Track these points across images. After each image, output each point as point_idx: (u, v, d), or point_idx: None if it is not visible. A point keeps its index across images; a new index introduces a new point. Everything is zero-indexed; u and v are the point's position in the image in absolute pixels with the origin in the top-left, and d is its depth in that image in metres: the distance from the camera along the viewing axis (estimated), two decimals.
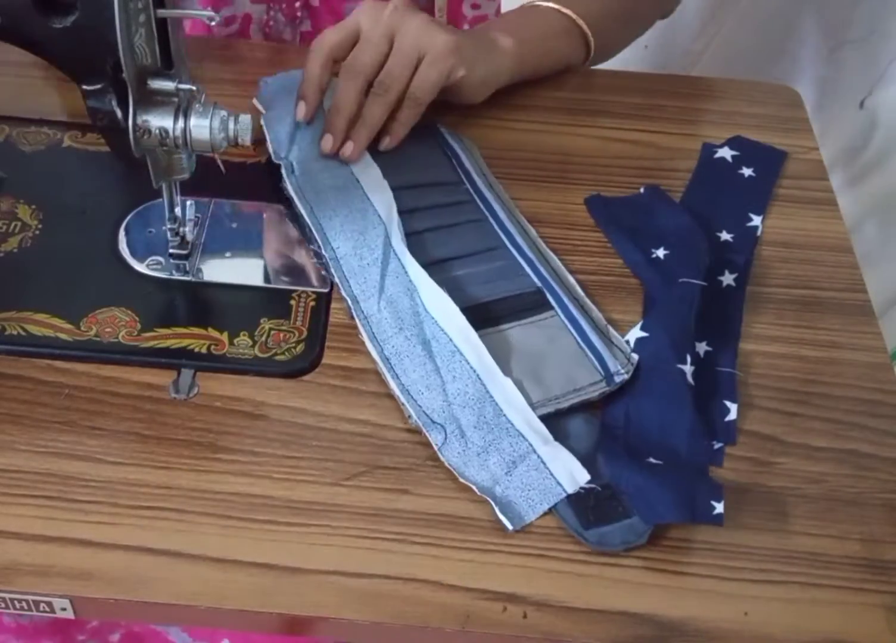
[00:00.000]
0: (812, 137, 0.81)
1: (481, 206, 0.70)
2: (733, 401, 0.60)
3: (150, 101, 0.55)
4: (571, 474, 0.55)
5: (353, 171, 0.69)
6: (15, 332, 0.60)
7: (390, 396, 0.60)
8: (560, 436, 0.57)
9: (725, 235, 0.71)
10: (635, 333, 0.62)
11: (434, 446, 0.56)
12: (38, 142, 0.73)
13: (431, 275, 0.63)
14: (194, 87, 0.55)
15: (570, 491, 0.55)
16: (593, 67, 0.85)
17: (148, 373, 0.60)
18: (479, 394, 0.58)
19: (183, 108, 0.56)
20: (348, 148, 0.69)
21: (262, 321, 0.63)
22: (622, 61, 0.89)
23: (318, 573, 0.52)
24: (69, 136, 0.73)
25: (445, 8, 0.88)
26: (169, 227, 0.64)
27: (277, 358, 0.61)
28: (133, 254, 0.66)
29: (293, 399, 0.59)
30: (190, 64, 0.57)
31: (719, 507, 0.54)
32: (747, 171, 0.76)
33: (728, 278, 0.68)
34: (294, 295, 0.64)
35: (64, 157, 0.72)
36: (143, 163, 0.58)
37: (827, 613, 0.53)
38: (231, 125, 0.57)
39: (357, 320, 0.62)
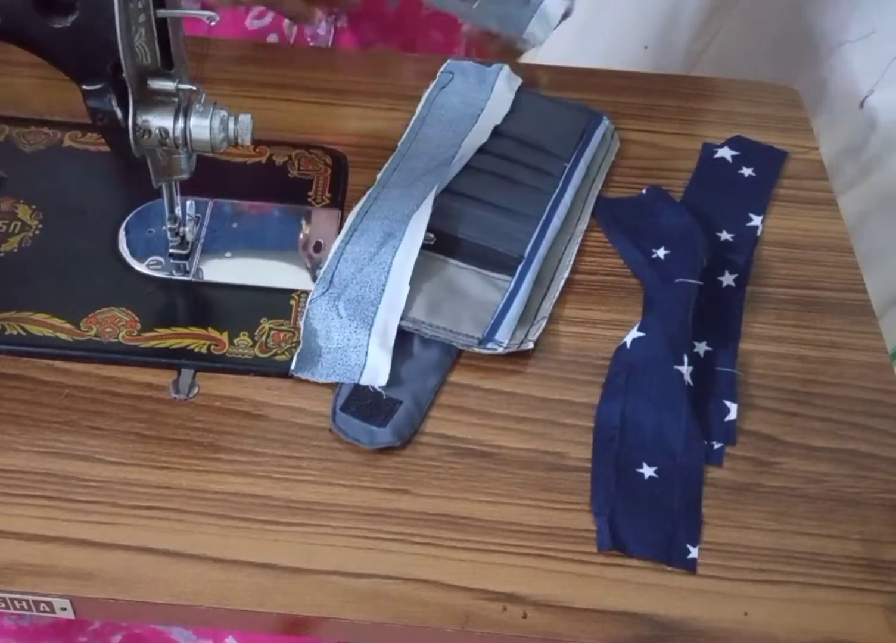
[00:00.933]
0: (812, 137, 0.81)
1: (559, 184, 0.72)
2: (733, 401, 0.60)
3: (150, 101, 0.55)
4: (376, 373, 0.59)
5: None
6: (15, 332, 0.60)
7: None
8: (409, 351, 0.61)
9: (725, 235, 0.71)
10: (633, 334, 0.62)
11: (309, 294, 0.61)
12: (38, 142, 0.73)
13: (452, 201, 0.68)
14: (194, 87, 0.55)
15: (362, 382, 0.59)
16: (593, 67, 0.85)
17: (148, 373, 0.60)
18: (378, 281, 0.62)
19: (183, 108, 0.56)
20: None
21: (262, 321, 0.63)
22: (622, 61, 0.89)
23: (318, 573, 0.52)
24: (69, 136, 0.73)
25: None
26: (169, 227, 0.64)
27: (277, 358, 0.61)
28: (133, 254, 0.66)
29: (293, 399, 0.59)
30: (190, 64, 0.57)
31: (694, 552, 0.54)
32: (747, 171, 0.76)
33: (728, 278, 0.68)
34: (294, 295, 0.64)
35: (64, 157, 0.72)
36: (143, 163, 0.58)
37: (827, 613, 0.53)
38: (231, 125, 0.57)
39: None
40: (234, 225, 0.69)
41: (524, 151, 0.73)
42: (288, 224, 0.69)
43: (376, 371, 0.59)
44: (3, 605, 0.51)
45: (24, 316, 0.61)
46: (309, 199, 0.71)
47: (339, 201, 0.71)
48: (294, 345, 0.61)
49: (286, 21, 0.86)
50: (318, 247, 0.68)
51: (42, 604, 0.51)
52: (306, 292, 0.64)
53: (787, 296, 0.68)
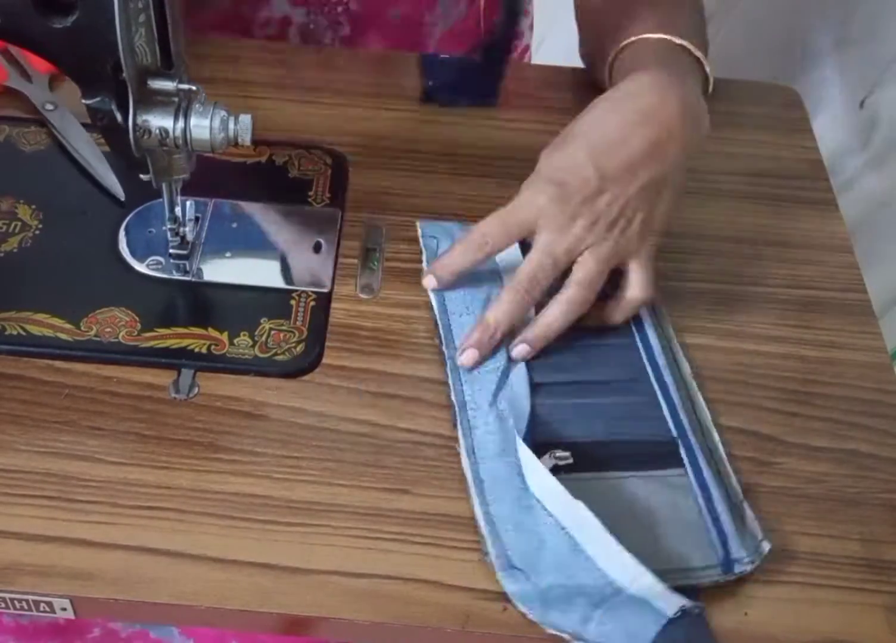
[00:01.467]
0: (812, 137, 0.81)
1: (632, 327, 0.64)
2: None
3: (150, 101, 0.55)
4: (672, 602, 0.49)
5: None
6: (15, 332, 0.60)
7: (390, 396, 0.60)
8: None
9: None
10: None
11: (504, 589, 0.51)
12: (38, 142, 0.73)
13: (562, 396, 0.59)
14: (194, 87, 0.55)
15: (670, 615, 0.49)
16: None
17: (148, 373, 0.60)
18: (570, 549, 0.52)
19: (183, 108, 0.56)
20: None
21: (262, 321, 0.62)
22: None
23: (318, 573, 0.52)
24: None
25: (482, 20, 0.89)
26: (169, 227, 0.64)
27: (277, 358, 0.61)
28: (133, 254, 0.66)
29: (293, 399, 0.59)
30: (190, 64, 0.57)
31: None
32: None
33: None
34: (294, 295, 0.64)
35: (64, 157, 0.72)
36: (143, 163, 0.58)
37: (827, 613, 0.53)
38: (231, 125, 0.57)
39: (458, 427, 0.57)
40: (234, 225, 0.69)
41: None
42: (288, 224, 0.69)
43: (664, 600, 0.49)
44: (2, 605, 0.51)
45: (24, 316, 0.61)
46: (309, 199, 0.71)
47: (339, 201, 0.71)
48: (294, 345, 0.61)
49: (291, 29, 0.86)
50: (318, 247, 0.67)
51: (42, 604, 0.51)
52: (306, 292, 0.64)
53: (787, 296, 0.68)
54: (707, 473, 0.56)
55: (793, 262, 0.71)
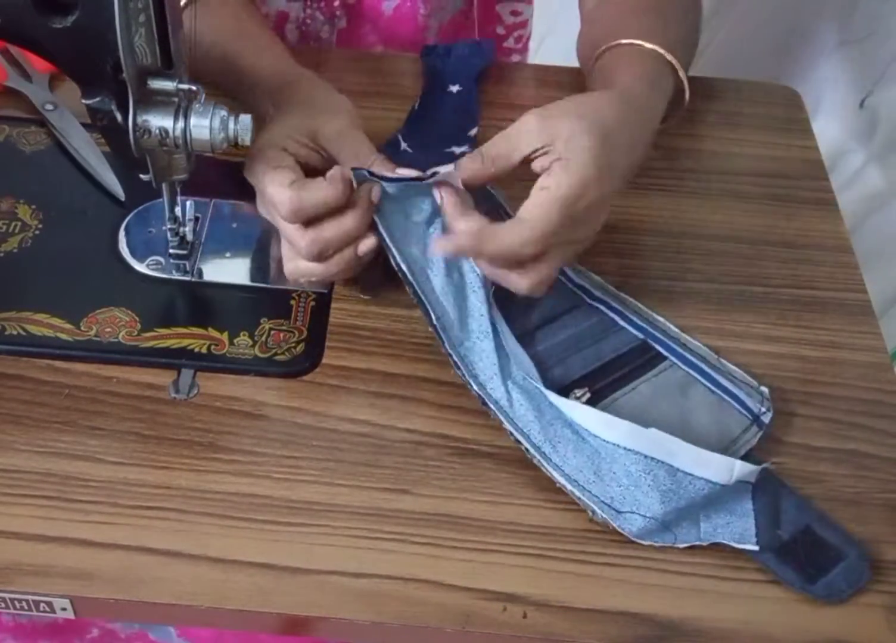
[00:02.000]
0: (812, 137, 0.81)
1: None
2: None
3: (150, 101, 0.55)
4: (749, 470, 0.54)
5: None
6: (15, 332, 0.60)
7: (390, 396, 0.60)
8: None
9: (458, 149, 0.72)
10: None
11: (629, 536, 0.53)
12: (38, 142, 0.73)
13: (528, 346, 0.60)
14: (194, 87, 0.55)
15: (752, 481, 0.55)
16: None
17: (148, 373, 0.60)
18: (647, 467, 0.54)
19: (183, 108, 0.56)
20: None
21: (262, 321, 0.62)
22: None
23: (318, 573, 0.52)
24: None
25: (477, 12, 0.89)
26: (169, 227, 0.64)
27: (277, 358, 0.61)
28: (133, 254, 0.66)
29: (293, 399, 0.59)
30: (190, 64, 0.57)
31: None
32: (454, 88, 0.78)
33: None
34: (294, 295, 0.64)
35: (64, 156, 0.72)
36: (143, 163, 0.58)
37: (827, 613, 0.53)
38: (231, 125, 0.57)
39: (487, 403, 0.57)
40: (234, 225, 0.69)
41: None
42: None
43: (742, 474, 0.55)
44: (2, 605, 0.51)
45: (24, 316, 0.61)
46: None
47: None
48: (294, 345, 0.61)
49: (288, 25, 0.86)
50: None
51: (42, 604, 0.51)
52: (306, 292, 0.64)
53: (787, 296, 0.68)
54: (686, 354, 0.61)
55: (793, 262, 0.71)
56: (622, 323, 0.64)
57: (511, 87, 0.81)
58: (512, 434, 0.56)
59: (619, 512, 0.54)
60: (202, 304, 0.64)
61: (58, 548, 0.52)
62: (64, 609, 0.51)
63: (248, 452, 0.57)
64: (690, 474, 0.54)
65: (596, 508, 0.54)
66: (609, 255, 0.69)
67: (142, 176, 0.59)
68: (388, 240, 0.59)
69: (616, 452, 0.54)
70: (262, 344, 0.61)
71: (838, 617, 0.53)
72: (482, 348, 0.59)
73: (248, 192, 0.70)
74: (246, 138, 0.57)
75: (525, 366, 0.59)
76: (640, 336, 0.63)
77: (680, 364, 0.62)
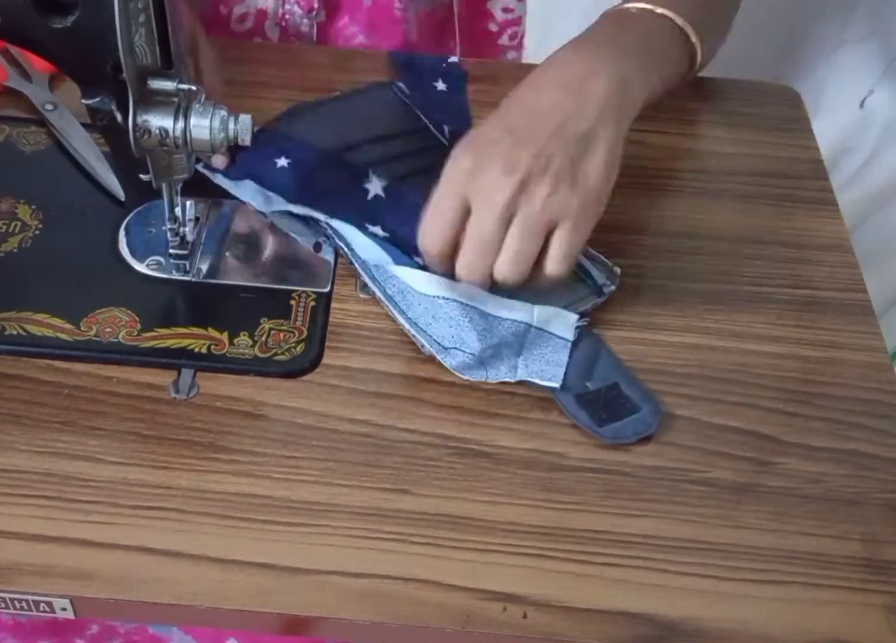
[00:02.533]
0: (812, 137, 0.81)
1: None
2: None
3: (150, 101, 0.55)
4: (568, 326, 0.62)
5: None
6: (15, 332, 0.60)
7: (390, 396, 0.60)
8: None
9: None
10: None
11: (450, 368, 0.60)
12: (38, 142, 0.73)
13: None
14: (194, 87, 0.55)
15: (571, 338, 0.62)
16: None
17: (148, 373, 0.60)
18: (464, 311, 0.61)
19: (183, 108, 0.56)
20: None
21: (262, 321, 0.62)
22: None
23: (318, 573, 0.52)
24: None
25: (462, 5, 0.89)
26: (169, 227, 0.64)
27: (277, 358, 0.61)
28: (133, 254, 0.66)
29: (293, 399, 0.59)
30: (190, 64, 0.57)
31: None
32: (441, 86, 0.78)
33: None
34: (294, 295, 0.64)
35: (64, 156, 0.72)
36: (143, 163, 0.58)
37: (827, 613, 0.53)
38: (231, 125, 0.57)
39: (356, 267, 0.64)
40: (234, 225, 0.69)
41: (394, 145, 0.70)
42: (288, 224, 0.69)
43: (566, 325, 0.62)
44: (2, 605, 0.51)
45: (24, 316, 0.61)
46: None
47: None
48: (294, 345, 0.61)
49: (267, 22, 0.87)
50: (318, 247, 0.67)
51: (42, 604, 0.51)
52: (306, 292, 0.64)
53: (787, 296, 0.68)
54: None
55: (793, 262, 0.71)
56: None
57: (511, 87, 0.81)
58: (373, 290, 0.63)
59: (445, 348, 0.61)
60: (202, 304, 0.64)
61: (58, 548, 0.52)
62: (64, 609, 0.51)
63: (248, 452, 0.57)
64: (498, 316, 0.61)
65: (425, 343, 0.61)
66: (609, 256, 0.69)
67: (142, 176, 0.59)
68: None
69: (440, 301, 0.61)
70: (262, 344, 0.61)
71: (838, 617, 0.53)
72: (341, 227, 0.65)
73: None
74: (246, 138, 0.57)
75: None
76: None
77: None
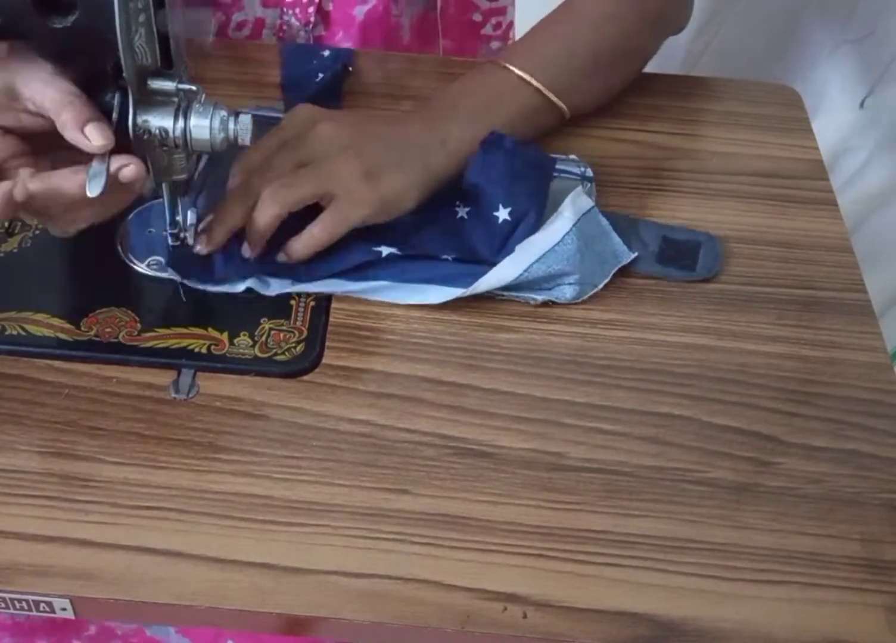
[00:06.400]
0: (812, 137, 0.81)
1: None
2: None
3: (150, 101, 0.55)
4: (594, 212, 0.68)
5: None
6: (15, 332, 0.60)
7: (390, 396, 0.60)
8: None
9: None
10: None
11: (566, 301, 0.65)
12: None
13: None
14: (194, 87, 0.55)
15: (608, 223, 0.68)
16: None
17: (148, 373, 0.60)
18: (542, 261, 0.64)
19: (183, 108, 0.56)
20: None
21: (262, 321, 0.63)
22: None
23: (318, 573, 0.52)
24: None
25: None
26: (170, 231, 0.64)
27: (277, 358, 0.61)
28: (133, 254, 0.66)
29: (293, 399, 0.59)
30: (190, 64, 0.57)
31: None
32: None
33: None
34: (294, 295, 0.64)
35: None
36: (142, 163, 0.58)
37: (827, 613, 0.53)
38: (231, 125, 0.57)
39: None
40: None
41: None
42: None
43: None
44: (2, 605, 0.51)
45: (24, 316, 0.61)
46: None
47: None
48: (294, 345, 0.61)
49: (265, 31, 0.87)
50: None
51: (42, 604, 0.51)
52: (306, 292, 0.64)
53: (787, 296, 0.68)
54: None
55: (793, 262, 0.71)
56: None
57: None
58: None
59: (549, 290, 0.65)
60: (202, 304, 0.64)
61: (58, 548, 0.52)
62: (64, 609, 0.51)
63: (248, 452, 0.57)
64: (560, 242, 0.65)
65: (534, 296, 0.65)
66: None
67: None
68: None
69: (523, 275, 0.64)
70: (262, 344, 0.61)
71: (838, 617, 0.53)
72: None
73: None
74: (246, 138, 0.57)
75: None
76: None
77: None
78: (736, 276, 0.69)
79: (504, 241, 0.66)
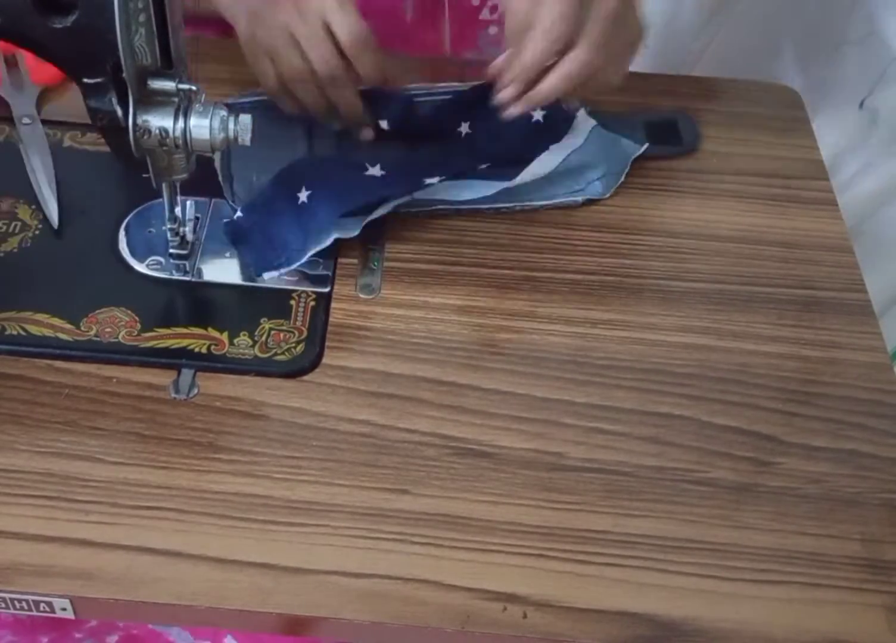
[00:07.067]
0: (812, 137, 0.81)
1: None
2: None
3: (150, 101, 0.55)
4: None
5: None
6: (15, 332, 0.60)
7: (390, 396, 0.60)
8: None
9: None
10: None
11: (598, 196, 0.72)
12: None
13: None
14: (194, 87, 0.55)
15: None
16: None
17: (148, 373, 0.60)
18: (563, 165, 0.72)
19: (183, 108, 0.56)
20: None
21: (262, 321, 0.63)
22: None
23: (318, 573, 0.52)
24: (69, 136, 0.73)
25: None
26: (169, 227, 0.64)
27: (277, 358, 0.61)
28: (133, 254, 0.66)
29: (293, 399, 0.59)
30: (190, 64, 0.57)
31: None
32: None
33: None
34: (294, 295, 0.64)
35: (64, 157, 0.72)
36: (143, 163, 0.58)
37: (827, 613, 0.53)
38: (231, 125, 0.57)
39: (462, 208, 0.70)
40: None
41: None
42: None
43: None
44: (2, 605, 0.51)
45: (24, 316, 0.61)
46: None
47: None
48: (294, 345, 0.61)
49: None
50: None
51: (42, 604, 0.51)
52: (306, 292, 0.64)
53: (787, 296, 0.68)
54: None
55: (793, 262, 0.71)
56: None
57: None
58: (490, 208, 0.70)
59: (582, 189, 0.72)
60: (202, 303, 0.65)
61: (58, 548, 0.52)
62: (64, 609, 0.51)
63: (248, 452, 0.57)
64: (584, 142, 0.73)
65: (575, 198, 0.72)
66: (609, 255, 0.69)
67: (144, 175, 0.59)
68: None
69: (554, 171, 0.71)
70: (262, 344, 0.61)
71: (838, 617, 0.53)
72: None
73: None
74: (246, 138, 0.57)
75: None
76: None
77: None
78: (736, 275, 0.69)
79: (540, 138, 0.72)
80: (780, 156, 0.79)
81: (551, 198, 0.72)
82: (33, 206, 0.68)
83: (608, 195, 0.73)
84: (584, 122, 0.74)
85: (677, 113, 0.80)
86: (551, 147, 0.71)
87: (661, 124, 0.79)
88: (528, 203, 0.71)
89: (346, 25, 0.66)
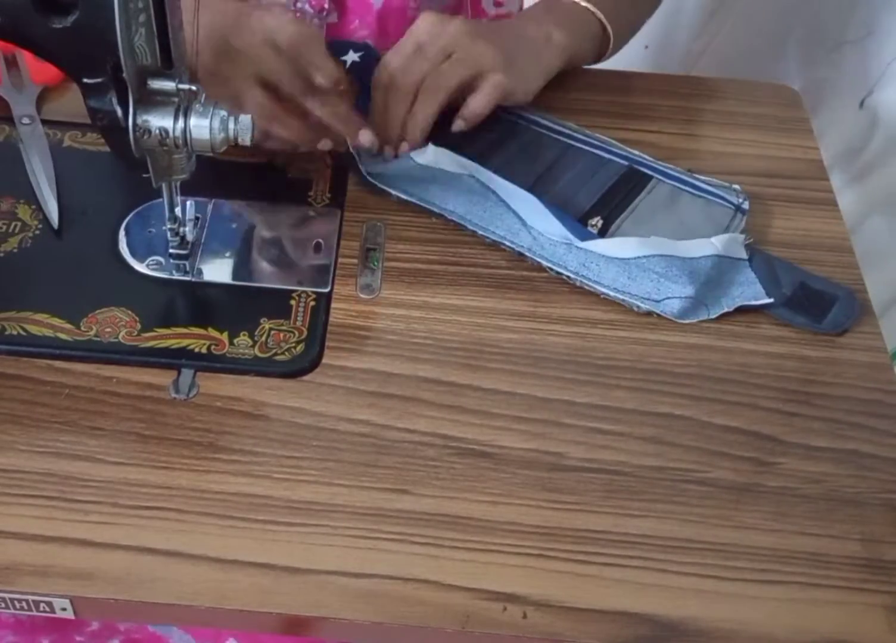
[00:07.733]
0: (812, 137, 0.81)
1: (521, 124, 0.78)
2: None
3: (150, 101, 0.55)
4: (739, 245, 0.68)
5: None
6: (15, 332, 0.60)
7: (390, 396, 0.60)
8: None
9: None
10: None
11: (672, 316, 0.65)
12: None
13: (538, 195, 0.69)
14: (194, 87, 0.55)
15: (746, 256, 0.68)
16: (594, 67, 0.85)
17: (148, 373, 0.60)
18: (664, 262, 0.66)
19: (183, 108, 0.56)
20: (404, 147, 0.71)
21: (262, 321, 0.63)
22: (622, 61, 0.89)
23: (318, 573, 0.52)
24: (69, 136, 0.73)
25: (469, 6, 0.89)
26: (169, 227, 0.64)
27: (277, 358, 0.61)
28: (133, 254, 0.66)
29: (293, 399, 0.59)
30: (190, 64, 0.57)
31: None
32: None
33: None
34: (294, 295, 0.64)
35: (64, 157, 0.72)
36: (143, 163, 0.58)
37: (827, 613, 0.53)
38: (231, 125, 0.57)
39: (523, 253, 0.67)
40: (234, 225, 0.69)
41: (473, 139, 0.73)
42: (288, 224, 0.69)
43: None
44: (2, 605, 0.51)
45: (24, 316, 0.61)
46: (309, 199, 0.71)
47: (339, 201, 0.71)
48: (294, 345, 0.61)
49: None
50: (318, 247, 0.68)
51: (42, 604, 0.51)
52: (306, 292, 0.64)
53: None
54: (667, 170, 0.75)
55: (793, 262, 0.71)
56: (607, 156, 0.75)
57: None
58: (552, 269, 0.66)
59: (657, 301, 0.65)
60: (202, 303, 0.65)
61: (58, 548, 0.52)
62: (64, 609, 0.51)
63: (248, 452, 0.57)
64: (692, 257, 0.66)
65: (638, 303, 0.65)
66: None
67: (144, 175, 0.59)
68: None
69: (637, 261, 0.65)
70: (262, 344, 0.61)
71: (838, 617, 0.53)
72: (497, 213, 0.69)
73: (248, 193, 0.71)
74: (246, 138, 0.57)
75: (538, 209, 0.68)
76: (625, 163, 0.75)
77: (664, 180, 0.74)
78: None
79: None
80: (780, 156, 0.79)
81: (615, 289, 0.66)
82: (33, 206, 0.68)
83: (680, 322, 0.65)
84: (718, 243, 0.67)
85: (843, 289, 0.68)
86: (652, 237, 0.67)
87: (816, 293, 0.67)
88: (584, 280, 0.66)
89: (282, 31, 0.65)
